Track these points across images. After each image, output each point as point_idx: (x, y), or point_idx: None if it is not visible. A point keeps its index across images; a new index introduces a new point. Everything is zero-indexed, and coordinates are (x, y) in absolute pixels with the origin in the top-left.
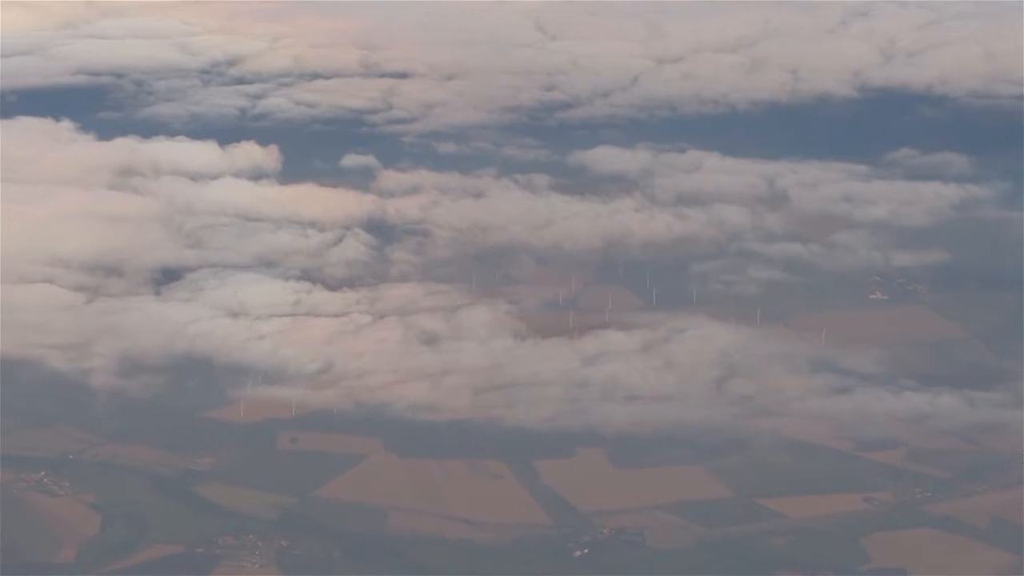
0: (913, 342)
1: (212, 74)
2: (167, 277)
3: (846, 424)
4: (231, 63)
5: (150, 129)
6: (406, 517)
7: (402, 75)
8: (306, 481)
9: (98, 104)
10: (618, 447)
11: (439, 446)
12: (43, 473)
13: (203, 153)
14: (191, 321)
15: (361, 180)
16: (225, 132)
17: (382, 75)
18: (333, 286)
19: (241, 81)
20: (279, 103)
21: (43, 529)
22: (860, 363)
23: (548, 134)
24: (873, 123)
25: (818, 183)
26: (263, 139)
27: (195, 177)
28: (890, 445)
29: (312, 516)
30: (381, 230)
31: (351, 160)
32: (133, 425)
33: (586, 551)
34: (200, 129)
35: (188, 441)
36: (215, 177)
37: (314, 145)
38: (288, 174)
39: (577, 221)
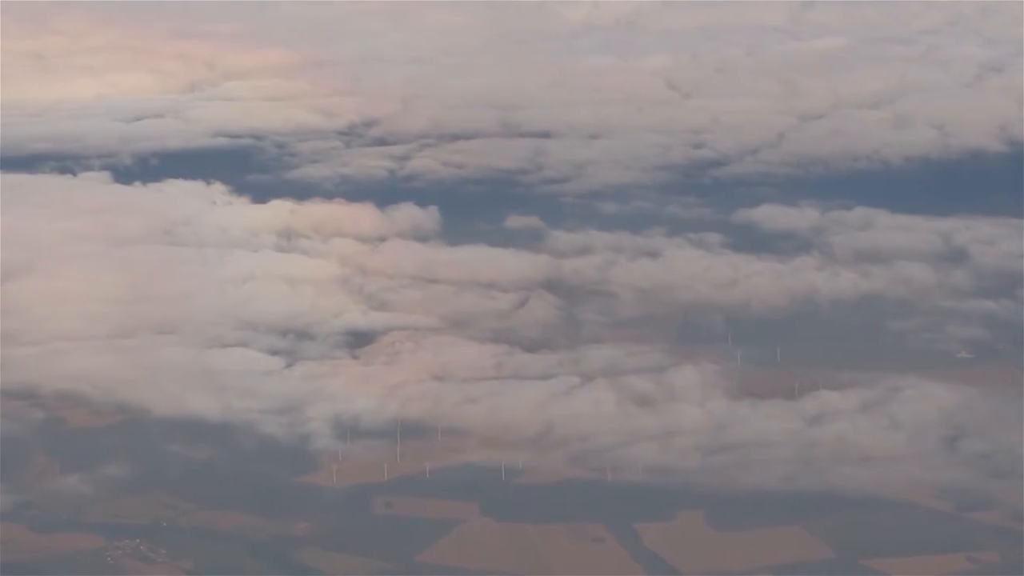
0: None
1: (352, 135)
2: (359, 340)
3: None
4: (368, 124)
5: (302, 191)
6: None
7: (544, 135)
8: (404, 546)
9: (244, 166)
10: (717, 509)
11: (535, 510)
12: (138, 540)
13: (362, 215)
14: (398, 384)
15: (529, 241)
16: (378, 193)
17: (523, 135)
18: (530, 348)
19: (382, 142)
20: (426, 164)
21: None
22: None
23: (705, 192)
24: None
25: (995, 239)
26: (417, 200)
27: (361, 239)
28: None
29: None
30: (562, 291)
31: (515, 221)
32: (225, 491)
33: None
34: (352, 190)
35: (281, 506)
36: (381, 239)
37: (471, 206)
38: (451, 235)
39: (760, 280)
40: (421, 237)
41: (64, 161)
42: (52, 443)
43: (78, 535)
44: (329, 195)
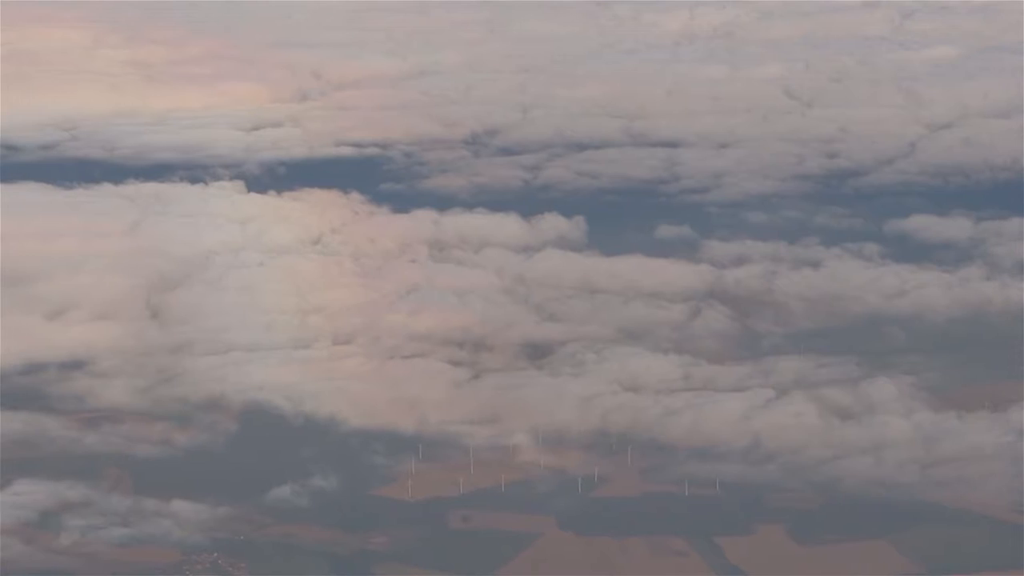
0: None
1: (477, 145)
2: (537, 351)
3: None
4: (490, 134)
5: (439, 201)
6: None
7: (672, 144)
8: (484, 561)
9: (375, 176)
10: (798, 523)
11: (615, 523)
12: (216, 554)
13: (507, 225)
14: (593, 396)
15: (683, 251)
16: (516, 203)
17: (651, 144)
18: (714, 359)
19: (508, 152)
20: (560, 174)
21: None
22: None
23: (849, 202)
24: None
25: None
26: (558, 210)
27: (511, 249)
28: None
29: None
30: (730, 301)
31: (665, 231)
32: (304, 504)
33: None
34: (490, 200)
35: (359, 520)
36: (531, 249)
37: (615, 216)
38: (602, 245)
39: (930, 291)
40: (571, 247)
41: (192, 171)
42: (249, 454)
43: (156, 549)
44: (467, 205)
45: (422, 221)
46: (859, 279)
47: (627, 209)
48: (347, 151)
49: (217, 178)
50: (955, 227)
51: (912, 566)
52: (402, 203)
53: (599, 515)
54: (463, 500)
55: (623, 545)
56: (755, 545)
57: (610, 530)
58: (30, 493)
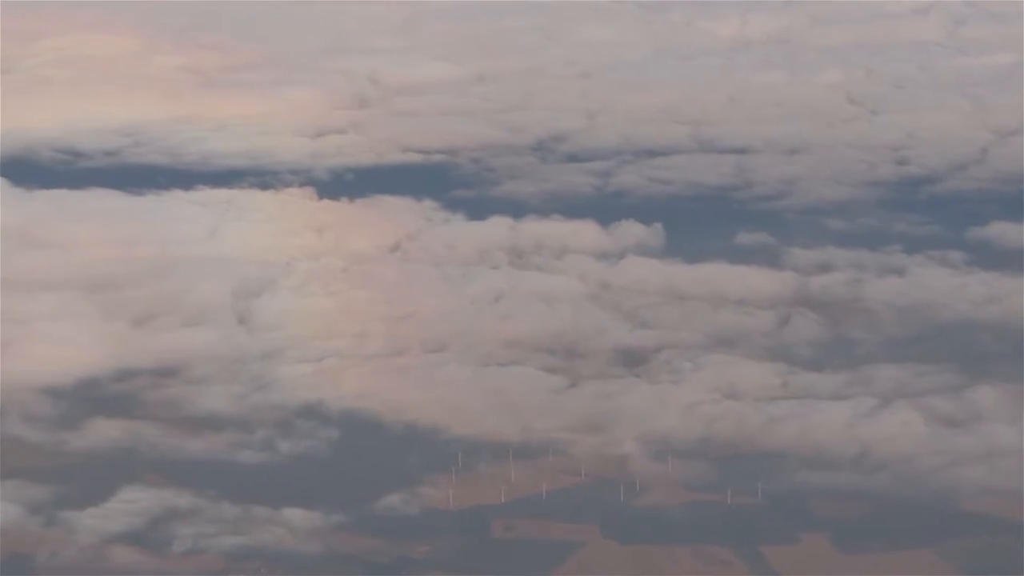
0: None
1: (544, 151)
2: (632, 358)
3: None
4: (556, 140)
5: (512, 207)
6: None
7: (741, 150)
8: (526, 570)
9: (445, 182)
10: (842, 531)
11: (657, 531)
12: (258, 563)
13: (585, 231)
14: (695, 404)
15: (766, 258)
16: (589, 210)
17: (720, 151)
18: (811, 367)
19: (576, 158)
20: (632, 180)
21: None
22: None
23: (926, 209)
24: None
25: None
26: (633, 217)
27: (591, 256)
28: None
29: None
30: (819, 308)
31: (745, 238)
32: (346, 512)
33: None
34: (563, 207)
35: (400, 528)
36: (611, 256)
37: (692, 222)
38: (682, 252)
39: (1020, 298)
40: (651, 254)
41: (261, 177)
42: (355, 462)
43: (201, 557)
44: (541, 212)
45: (499, 228)
46: (946, 286)
47: (703, 215)
48: (414, 157)
49: (286, 184)
50: None
51: (956, 574)
52: (475, 210)
53: (642, 524)
54: (504, 509)
55: (667, 553)
56: (799, 554)
57: (653, 539)
58: (137, 500)
